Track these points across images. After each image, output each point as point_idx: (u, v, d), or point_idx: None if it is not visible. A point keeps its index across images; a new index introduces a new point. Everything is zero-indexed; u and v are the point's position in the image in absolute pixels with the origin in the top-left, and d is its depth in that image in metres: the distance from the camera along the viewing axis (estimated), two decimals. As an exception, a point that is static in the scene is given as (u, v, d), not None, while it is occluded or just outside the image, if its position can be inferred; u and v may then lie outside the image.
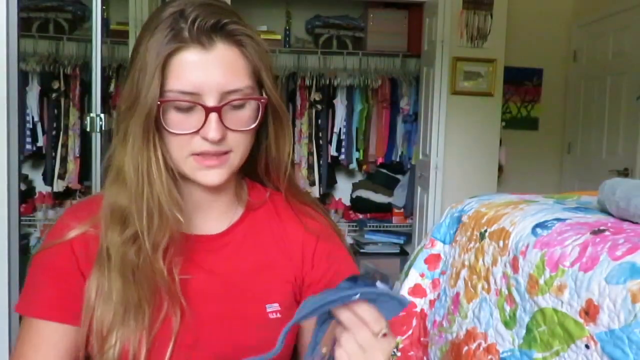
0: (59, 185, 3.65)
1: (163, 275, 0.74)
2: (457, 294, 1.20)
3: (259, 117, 0.77)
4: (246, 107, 0.75)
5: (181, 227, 0.76)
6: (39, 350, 0.77)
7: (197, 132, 0.73)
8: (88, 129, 1.96)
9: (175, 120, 0.73)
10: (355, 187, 4.35)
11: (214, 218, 0.83)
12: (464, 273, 1.20)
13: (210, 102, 0.72)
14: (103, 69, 2.04)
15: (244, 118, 0.75)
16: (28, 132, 3.59)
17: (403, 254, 4.14)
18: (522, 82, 4.21)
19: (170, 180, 0.75)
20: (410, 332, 1.28)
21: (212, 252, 0.82)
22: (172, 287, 0.75)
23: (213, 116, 0.72)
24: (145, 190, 0.73)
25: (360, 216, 4.32)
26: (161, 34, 0.71)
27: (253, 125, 0.76)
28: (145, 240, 0.73)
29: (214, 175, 0.75)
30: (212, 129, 0.72)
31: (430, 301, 1.29)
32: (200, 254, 0.81)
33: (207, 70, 0.72)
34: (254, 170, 0.87)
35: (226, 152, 0.75)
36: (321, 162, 4.04)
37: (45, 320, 0.77)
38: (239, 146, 0.76)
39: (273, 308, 0.82)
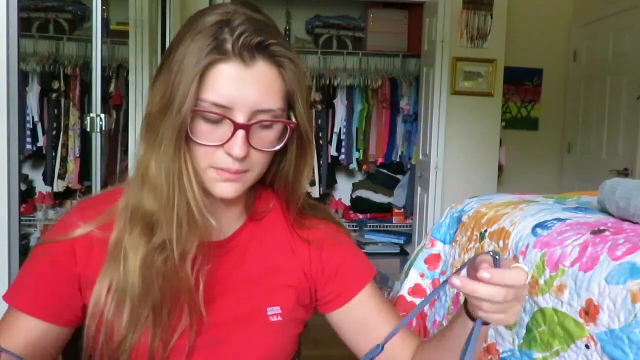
0: (59, 185, 3.66)
1: (188, 284, 0.74)
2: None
3: (284, 140, 0.76)
4: (273, 128, 0.74)
5: (211, 234, 0.75)
6: (14, 340, 0.74)
7: (221, 145, 0.71)
8: (88, 129, 1.96)
9: (202, 130, 0.71)
10: (355, 187, 4.35)
11: (220, 225, 0.82)
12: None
13: (240, 118, 0.70)
14: (103, 69, 2.03)
15: (269, 139, 0.74)
16: (28, 132, 3.60)
17: (403, 254, 4.15)
18: (522, 82, 4.21)
19: (201, 186, 0.74)
20: (410, 332, 1.28)
21: (215, 257, 0.81)
22: (194, 296, 0.74)
23: (240, 133, 0.70)
24: (176, 199, 0.72)
25: (360, 216, 4.32)
26: (203, 41, 0.69)
27: (277, 147, 0.75)
28: (174, 249, 0.72)
29: (229, 188, 0.74)
30: (238, 145, 0.70)
31: (430, 301, 1.29)
32: None
33: (243, 85, 0.70)
34: (262, 179, 0.85)
35: (244, 171, 0.74)
36: (321, 162, 4.03)
37: (28, 315, 0.75)
38: (257, 165, 0.75)
39: (274, 311, 0.82)
